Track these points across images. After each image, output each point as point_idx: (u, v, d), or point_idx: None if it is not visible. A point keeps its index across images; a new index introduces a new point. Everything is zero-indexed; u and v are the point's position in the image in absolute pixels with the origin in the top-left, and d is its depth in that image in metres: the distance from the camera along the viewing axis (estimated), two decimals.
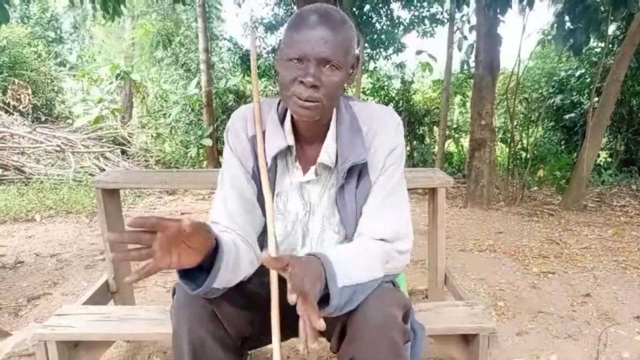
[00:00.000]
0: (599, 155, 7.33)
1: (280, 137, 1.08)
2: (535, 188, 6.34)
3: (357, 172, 1.09)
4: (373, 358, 0.93)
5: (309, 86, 0.96)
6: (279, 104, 1.14)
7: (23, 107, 8.32)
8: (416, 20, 8.67)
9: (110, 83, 8.30)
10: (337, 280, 0.91)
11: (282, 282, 1.05)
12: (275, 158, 1.09)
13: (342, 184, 1.09)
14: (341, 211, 1.12)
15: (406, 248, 1.10)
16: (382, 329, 0.94)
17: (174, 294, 1.07)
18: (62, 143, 6.85)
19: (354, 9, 8.29)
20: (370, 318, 0.94)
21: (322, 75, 0.97)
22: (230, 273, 0.96)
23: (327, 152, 1.09)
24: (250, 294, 1.06)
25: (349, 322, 0.96)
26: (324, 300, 0.91)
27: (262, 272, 1.14)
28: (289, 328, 1.12)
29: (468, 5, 6.49)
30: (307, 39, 0.95)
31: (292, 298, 0.80)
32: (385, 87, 9.26)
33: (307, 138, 1.12)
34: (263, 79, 9.09)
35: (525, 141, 6.57)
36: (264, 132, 1.11)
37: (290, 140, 1.09)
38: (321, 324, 0.78)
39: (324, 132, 1.11)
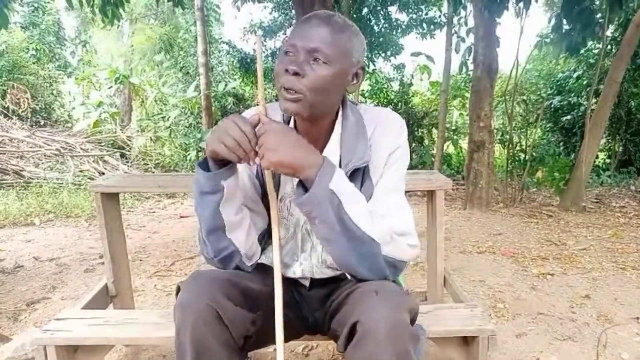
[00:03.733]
0: (597, 157, 7.36)
1: None
2: (534, 189, 6.35)
3: (361, 174, 1.09)
4: None
5: (292, 74, 0.97)
6: None
7: (22, 111, 8.33)
8: (414, 23, 8.72)
9: (110, 87, 8.31)
10: (332, 180, 0.97)
11: (285, 282, 1.06)
12: None
13: None
14: None
15: (414, 243, 1.09)
16: (392, 335, 0.92)
17: (177, 293, 1.07)
18: (61, 147, 6.85)
19: (352, 12, 8.32)
20: (381, 324, 0.92)
21: (307, 66, 0.98)
22: (236, 209, 1.05)
23: (332, 157, 1.09)
24: (252, 294, 1.06)
25: (359, 323, 0.95)
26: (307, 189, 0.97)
27: (264, 272, 1.14)
28: (291, 330, 1.12)
29: (465, 8, 6.53)
30: (299, 33, 0.99)
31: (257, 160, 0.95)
32: (384, 90, 9.27)
33: (309, 142, 1.12)
34: (264, 82, 9.14)
35: (523, 143, 6.58)
36: None
37: None
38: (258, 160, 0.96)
39: (327, 136, 1.11)
